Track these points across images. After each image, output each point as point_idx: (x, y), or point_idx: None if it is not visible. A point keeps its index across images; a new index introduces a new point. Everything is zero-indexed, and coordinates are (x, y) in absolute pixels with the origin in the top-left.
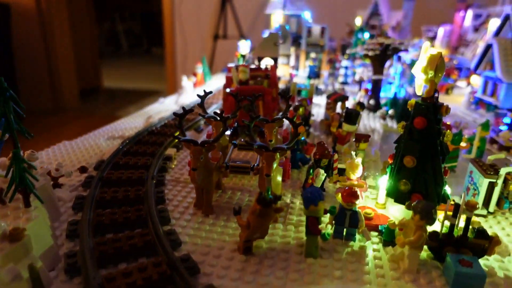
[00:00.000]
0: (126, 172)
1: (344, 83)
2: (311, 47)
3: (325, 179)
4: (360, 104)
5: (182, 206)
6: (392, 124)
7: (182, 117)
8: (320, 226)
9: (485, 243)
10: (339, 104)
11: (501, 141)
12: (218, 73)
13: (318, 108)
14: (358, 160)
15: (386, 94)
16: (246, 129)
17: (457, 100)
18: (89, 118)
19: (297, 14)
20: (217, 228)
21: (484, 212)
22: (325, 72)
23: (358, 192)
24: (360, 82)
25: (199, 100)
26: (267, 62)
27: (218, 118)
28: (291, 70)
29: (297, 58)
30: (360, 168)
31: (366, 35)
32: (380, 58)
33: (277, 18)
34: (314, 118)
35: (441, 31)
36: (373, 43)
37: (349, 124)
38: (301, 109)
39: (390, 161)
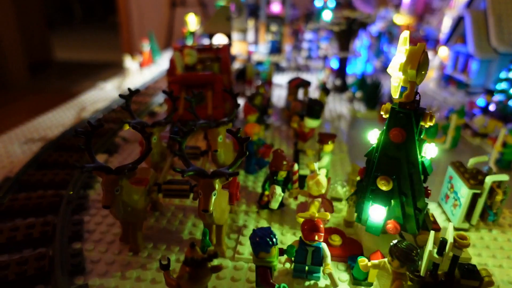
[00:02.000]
0: (35, 196)
1: (308, 57)
2: (271, 19)
3: (284, 192)
4: (325, 90)
5: (105, 241)
6: (360, 107)
7: (90, 136)
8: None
9: (475, 284)
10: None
11: (474, 127)
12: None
13: (280, 90)
14: (322, 173)
15: (353, 70)
16: (177, 149)
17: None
18: (40, 95)
19: None
20: (147, 274)
21: (466, 225)
22: (287, 46)
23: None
24: (324, 58)
25: (145, 84)
26: (219, 40)
27: (141, 130)
28: (249, 46)
29: (256, 31)
30: (325, 184)
31: (331, 4)
32: (346, 34)
33: None
34: (275, 103)
35: None
36: (338, 17)
37: (312, 118)
38: (258, 98)
39: (360, 177)
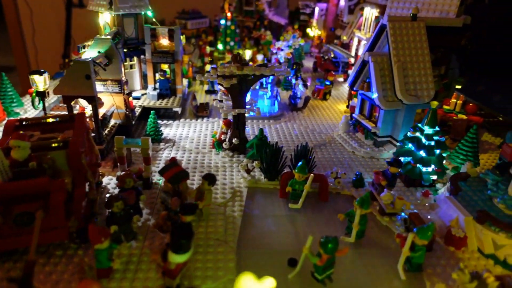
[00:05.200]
0: None
1: (211, 91)
2: (159, 56)
3: None
4: (209, 179)
5: None
6: (261, 176)
7: None
8: None
9: None
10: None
11: (382, 205)
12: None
13: (168, 154)
14: None
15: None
16: None
17: (336, 110)
18: None
19: (134, 13)
20: None
21: None
22: (185, 81)
23: None
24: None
25: None
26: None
27: None
28: (130, 97)
29: (144, 64)
30: None
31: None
32: (239, 88)
33: (105, 18)
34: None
35: (317, 9)
36: (226, 71)
37: (178, 254)
38: (129, 182)
39: None
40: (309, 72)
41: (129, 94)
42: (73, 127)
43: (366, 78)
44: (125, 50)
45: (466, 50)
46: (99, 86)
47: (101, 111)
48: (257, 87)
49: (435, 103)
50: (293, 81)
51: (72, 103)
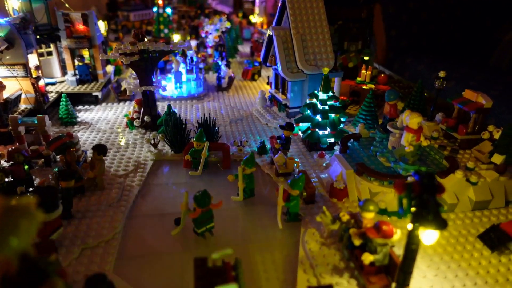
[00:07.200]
0: None
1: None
2: (74, 42)
3: None
4: (98, 149)
5: None
6: (168, 150)
7: None
8: None
9: None
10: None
11: (276, 166)
12: None
13: (81, 135)
14: None
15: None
16: None
17: (263, 89)
18: None
19: None
20: None
21: None
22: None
23: None
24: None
25: None
26: None
27: None
28: (40, 81)
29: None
30: None
31: (169, 10)
32: (143, 66)
33: (12, 3)
34: None
35: None
36: (125, 48)
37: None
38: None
39: None
40: (247, 56)
41: (38, 78)
42: None
43: (273, 53)
44: (38, 37)
45: (368, 22)
46: (1, 70)
47: (5, 95)
48: (182, 71)
49: (326, 70)
50: (219, 62)
51: None
